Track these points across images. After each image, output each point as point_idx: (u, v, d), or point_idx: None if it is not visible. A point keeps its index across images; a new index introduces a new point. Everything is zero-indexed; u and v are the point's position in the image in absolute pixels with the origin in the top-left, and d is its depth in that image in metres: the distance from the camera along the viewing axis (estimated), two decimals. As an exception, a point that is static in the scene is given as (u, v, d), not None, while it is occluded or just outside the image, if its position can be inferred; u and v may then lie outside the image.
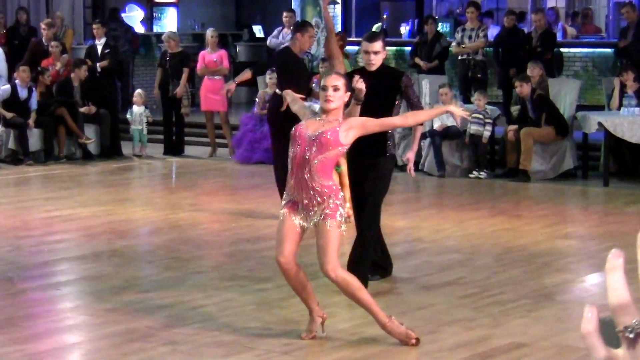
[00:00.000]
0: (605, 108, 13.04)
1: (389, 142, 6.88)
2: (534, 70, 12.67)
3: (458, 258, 8.17)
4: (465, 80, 14.60)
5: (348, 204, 6.50)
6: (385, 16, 19.60)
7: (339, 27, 17.29)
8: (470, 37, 14.48)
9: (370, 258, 6.90)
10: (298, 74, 9.16)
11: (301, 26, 9.60)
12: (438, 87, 12.64)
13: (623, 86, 12.48)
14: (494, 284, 7.33)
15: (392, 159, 7.03)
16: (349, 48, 15.70)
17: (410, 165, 6.98)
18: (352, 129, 5.63)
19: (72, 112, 13.86)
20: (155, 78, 14.96)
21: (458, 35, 14.65)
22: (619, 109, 12.28)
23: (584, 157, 12.57)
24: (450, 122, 12.20)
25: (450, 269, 7.77)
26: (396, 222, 9.46)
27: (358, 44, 7.82)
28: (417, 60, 14.96)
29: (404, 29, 18.69)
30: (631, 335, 1.11)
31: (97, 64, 14.74)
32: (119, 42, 16.69)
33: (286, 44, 10.40)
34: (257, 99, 13.79)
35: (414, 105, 6.93)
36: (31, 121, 13.53)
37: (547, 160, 12.42)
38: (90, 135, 14.09)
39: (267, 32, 17.60)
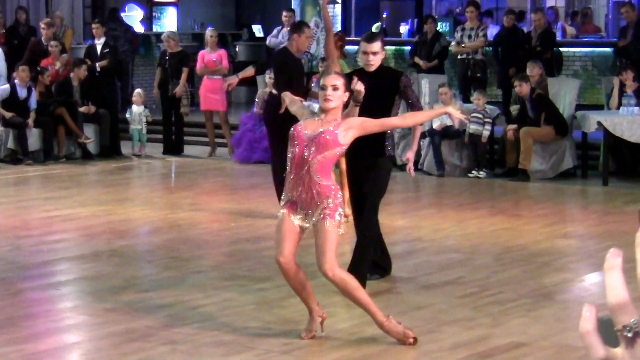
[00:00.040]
0: (605, 107, 13.05)
1: (387, 143, 6.88)
2: (533, 70, 12.67)
3: (457, 257, 8.17)
4: (465, 79, 14.61)
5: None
6: (384, 15, 19.60)
7: (338, 27, 17.29)
8: (469, 37, 14.48)
9: (370, 258, 6.90)
10: (296, 74, 9.18)
11: (298, 27, 9.61)
12: (437, 86, 12.64)
13: (622, 85, 12.48)
14: (494, 283, 7.33)
15: (390, 159, 7.03)
16: (348, 48, 15.70)
17: (410, 165, 6.98)
18: (350, 129, 5.64)
19: (72, 112, 13.86)
20: (155, 78, 14.96)
21: (457, 35, 14.65)
22: (618, 108, 12.29)
23: (583, 156, 12.58)
24: (450, 121, 12.19)
25: (450, 269, 7.77)
26: (396, 221, 9.46)
27: (358, 43, 7.81)
28: (417, 59, 14.96)
29: (404, 29, 18.69)
30: (630, 335, 1.12)
31: (97, 64, 14.74)
32: (118, 41, 16.69)
33: (284, 45, 10.41)
34: (256, 99, 13.79)
35: (413, 105, 6.93)
36: (30, 121, 13.53)
37: (546, 160, 12.42)
38: (89, 135, 14.09)
39: (267, 32, 17.60)
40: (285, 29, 15.24)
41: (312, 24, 15.02)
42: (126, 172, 13.76)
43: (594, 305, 1.15)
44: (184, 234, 9.07)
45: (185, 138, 14.89)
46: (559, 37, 15.80)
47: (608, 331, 1.13)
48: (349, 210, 7.15)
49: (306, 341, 5.85)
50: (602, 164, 12.19)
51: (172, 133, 14.69)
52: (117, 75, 16.03)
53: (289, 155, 5.67)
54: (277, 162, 9.02)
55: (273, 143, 9.36)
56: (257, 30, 19.90)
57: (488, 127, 12.50)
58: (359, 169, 6.88)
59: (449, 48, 14.86)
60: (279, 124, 8.28)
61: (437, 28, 15.58)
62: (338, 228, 5.59)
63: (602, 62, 15.70)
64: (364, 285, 6.21)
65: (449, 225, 9.54)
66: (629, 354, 1.12)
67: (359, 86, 6.20)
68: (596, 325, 1.13)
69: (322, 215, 5.56)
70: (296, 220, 5.64)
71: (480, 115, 12.52)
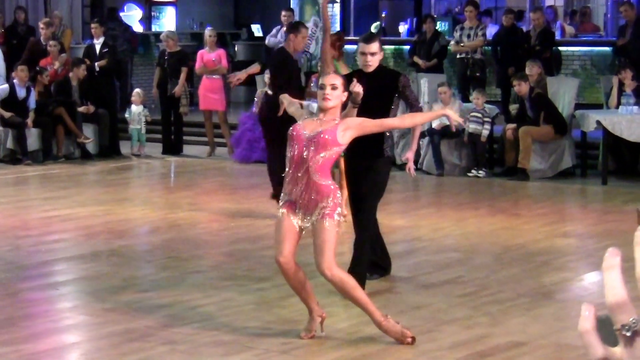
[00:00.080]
0: (604, 106, 13.05)
1: (386, 144, 6.88)
2: (532, 69, 12.67)
3: (457, 257, 8.17)
4: (464, 79, 14.61)
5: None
6: (383, 15, 19.61)
7: (337, 26, 17.30)
8: (468, 36, 14.49)
9: (368, 258, 6.90)
10: (294, 74, 9.22)
11: (294, 27, 9.63)
12: (437, 85, 12.64)
13: (621, 84, 12.48)
14: (493, 282, 7.33)
15: (388, 160, 7.03)
16: (347, 47, 15.69)
17: (410, 165, 6.98)
18: (349, 129, 5.65)
19: (71, 112, 13.85)
20: (154, 77, 14.96)
21: (457, 34, 14.65)
22: (617, 107, 12.29)
23: (582, 155, 12.58)
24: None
25: (449, 268, 7.77)
26: (395, 221, 9.46)
27: (356, 43, 7.81)
28: (416, 59, 14.97)
29: (403, 28, 18.69)
30: (628, 334, 1.11)
31: (96, 64, 14.73)
32: (117, 41, 16.69)
33: (281, 45, 10.42)
34: (255, 98, 13.77)
35: (412, 105, 6.93)
36: (29, 121, 13.53)
37: (545, 159, 12.43)
38: (88, 135, 14.09)
39: (266, 31, 17.59)
40: (284, 29, 15.24)
41: (311, 24, 15.00)
42: (125, 172, 13.76)
43: (593, 304, 1.15)
44: (184, 234, 9.07)
45: (185, 138, 14.89)
46: (558, 36, 15.80)
47: (607, 330, 1.13)
48: (346, 211, 7.15)
49: (306, 341, 5.85)
50: (601, 163, 12.19)
51: (171, 133, 14.68)
52: (116, 75, 16.03)
53: (288, 155, 5.67)
54: (274, 162, 9.04)
55: (269, 143, 9.36)
56: (256, 29, 19.90)
57: (487, 126, 12.50)
58: (357, 169, 6.88)
59: (448, 47, 14.86)
60: (276, 124, 8.29)
61: (436, 27, 15.58)
62: (337, 228, 5.59)
63: (601, 61, 15.70)
64: (363, 285, 6.21)
65: (448, 224, 9.54)
66: (627, 353, 1.12)
67: (357, 88, 6.20)
68: (595, 325, 1.13)
69: (320, 215, 5.56)
70: (295, 220, 5.65)
71: (479, 115, 12.52)
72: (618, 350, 1.13)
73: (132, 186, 12.97)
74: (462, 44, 14.48)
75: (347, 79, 6.11)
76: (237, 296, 6.87)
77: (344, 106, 6.01)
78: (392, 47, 17.10)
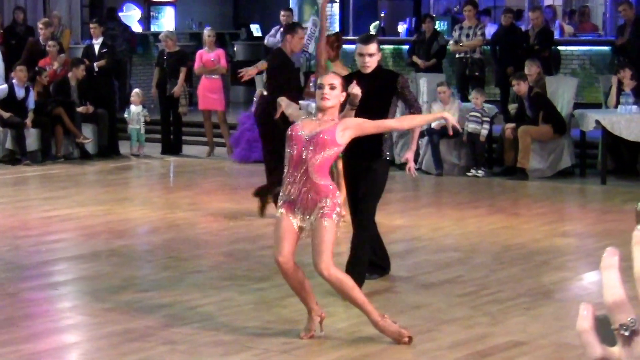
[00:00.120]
0: (603, 106, 13.05)
1: (384, 145, 6.88)
2: (531, 68, 12.67)
3: (456, 256, 8.18)
4: (463, 78, 14.61)
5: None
6: (382, 15, 19.60)
7: (336, 26, 17.29)
8: (467, 36, 14.49)
9: (367, 259, 6.90)
10: (293, 76, 9.24)
11: (291, 28, 9.64)
12: (436, 85, 12.64)
13: (620, 84, 12.48)
14: (493, 282, 7.33)
15: (387, 161, 7.03)
16: (346, 47, 15.69)
17: (411, 165, 6.98)
18: (348, 129, 5.66)
19: (70, 112, 13.85)
20: (153, 77, 14.97)
21: (456, 34, 14.65)
22: (616, 106, 12.29)
23: (581, 155, 12.58)
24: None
25: (449, 267, 7.78)
26: (394, 220, 9.47)
27: (355, 43, 7.80)
28: (415, 58, 14.97)
29: (402, 28, 18.69)
30: (627, 333, 1.12)
31: (95, 64, 14.72)
32: (116, 41, 16.69)
33: (278, 46, 10.43)
34: (255, 98, 13.78)
35: (412, 105, 6.94)
36: (28, 121, 13.53)
37: (544, 159, 12.43)
38: (87, 135, 14.09)
39: (265, 31, 17.60)
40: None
41: (310, 24, 15.02)
42: (125, 172, 13.76)
43: (592, 303, 1.15)
44: (183, 234, 9.07)
45: (184, 138, 14.89)
46: (556, 36, 15.80)
47: (605, 330, 1.13)
48: (345, 211, 7.15)
49: (305, 341, 5.85)
50: (601, 163, 12.19)
51: (170, 133, 14.68)
52: (115, 75, 16.03)
53: (287, 155, 5.68)
54: (271, 162, 9.04)
55: (266, 143, 9.36)
56: (256, 29, 19.90)
57: (486, 125, 12.50)
58: (356, 170, 6.88)
59: (447, 47, 14.87)
60: (271, 125, 8.29)
61: (435, 27, 15.59)
62: (335, 228, 5.60)
63: (600, 61, 15.70)
64: (361, 285, 6.21)
65: (448, 224, 9.54)
66: (626, 352, 1.12)
67: (355, 90, 6.20)
68: (593, 324, 1.13)
69: (319, 214, 5.57)
70: (294, 220, 5.66)
71: (478, 114, 12.52)
72: (616, 349, 1.13)
73: (131, 186, 12.97)
74: (461, 44, 14.49)
75: (346, 81, 6.11)
76: (237, 296, 6.87)
77: (342, 107, 6.01)
78: (391, 46, 17.11)
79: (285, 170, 5.71)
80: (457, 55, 14.68)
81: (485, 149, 12.76)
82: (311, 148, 5.57)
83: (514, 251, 8.34)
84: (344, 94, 5.85)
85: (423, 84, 13.07)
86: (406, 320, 6.02)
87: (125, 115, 14.62)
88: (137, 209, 10.51)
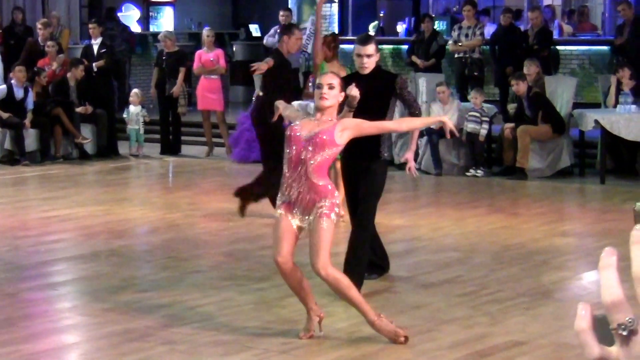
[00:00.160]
0: (602, 105, 13.05)
1: (383, 146, 6.88)
2: (530, 68, 12.68)
3: (456, 256, 8.18)
4: (462, 78, 14.61)
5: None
6: (381, 14, 19.60)
7: (335, 26, 17.29)
8: (467, 35, 14.49)
9: (366, 259, 6.90)
10: (291, 76, 9.25)
11: (288, 29, 9.63)
12: (435, 85, 12.65)
13: (619, 83, 12.49)
14: (492, 282, 7.33)
15: (385, 161, 7.03)
16: (345, 47, 15.70)
17: (411, 165, 6.98)
18: (346, 129, 5.66)
19: (69, 112, 13.85)
20: (152, 77, 14.97)
21: (455, 34, 14.65)
22: (615, 106, 12.29)
23: (580, 154, 12.58)
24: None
25: (448, 267, 7.78)
26: (394, 220, 9.47)
27: (354, 43, 7.80)
28: (414, 58, 14.97)
29: (401, 28, 18.69)
30: (625, 333, 1.12)
31: (94, 64, 14.72)
32: (115, 41, 16.69)
33: (276, 47, 10.42)
34: (253, 98, 13.78)
35: (411, 106, 6.94)
36: (27, 121, 13.53)
37: (544, 158, 12.43)
38: (86, 135, 14.09)
39: (264, 31, 17.60)
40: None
41: (309, 24, 15.01)
42: (124, 172, 13.76)
43: (591, 303, 1.16)
44: (182, 234, 9.07)
45: (183, 138, 14.89)
46: (555, 36, 15.80)
47: (604, 329, 1.13)
48: (343, 211, 7.16)
49: (305, 341, 5.85)
50: (600, 162, 12.20)
51: (169, 133, 14.69)
52: (114, 75, 16.02)
53: (286, 156, 5.68)
54: (268, 163, 9.04)
55: (263, 144, 9.35)
56: (255, 29, 19.89)
57: (485, 125, 12.50)
58: (355, 171, 6.88)
59: (446, 47, 14.87)
60: (268, 125, 8.29)
61: (435, 27, 15.58)
62: (333, 228, 5.61)
63: (599, 60, 15.71)
64: (361, 285, 6.21)
65: (447, 224, 9.54)
66: (624, 352, 1.12)
67: (354, 92, 6.20)
68: (592, 324, 1.13)
69: (318, 214, 5.57)
70: (293, 220, 5.66)
71: (477, 114, 12.52)
72: (614, 349, 1.13)
73: (130, 186, 12.97)
74: (460, 44, 14.49)
75: (345, 82, 6.11)
76: (237, 296, 6.88)
77: (340, 109, 6.02)
78: (390, 46, 17.11)
79: (284, 171, 5.72)
80: (456, 55, 14.69)
81: (485, 149, 12.77)
82: (310, 148, 5.58)
83: (514, 251, 8.35)
84: (343, 94, 5.85)
85: (422, 83, 13.07)
86: (406, 320, 6.02)
87: (124, 116, 14.62)
88: (137, 209, 10.51)
